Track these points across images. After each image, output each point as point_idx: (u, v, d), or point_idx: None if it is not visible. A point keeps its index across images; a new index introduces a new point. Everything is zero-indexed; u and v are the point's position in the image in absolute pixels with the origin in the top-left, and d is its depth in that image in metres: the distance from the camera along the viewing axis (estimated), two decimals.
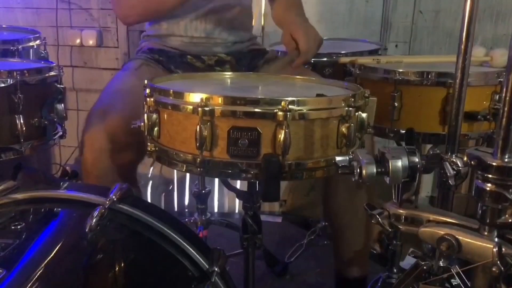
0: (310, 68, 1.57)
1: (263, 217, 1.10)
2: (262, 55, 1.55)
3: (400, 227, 0.83)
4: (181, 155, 0.90)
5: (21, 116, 1.18)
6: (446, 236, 0.74)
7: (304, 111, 0.84)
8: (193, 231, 1.00)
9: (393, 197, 0.83)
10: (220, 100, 0.84)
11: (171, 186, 2.56)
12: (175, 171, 2.45)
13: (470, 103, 1.07)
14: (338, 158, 0.81)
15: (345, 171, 0.80)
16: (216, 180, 2.22)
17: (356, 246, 1.40)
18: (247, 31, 1.58)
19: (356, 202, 1.34)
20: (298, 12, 1.43)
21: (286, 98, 0.82)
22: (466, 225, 0.76)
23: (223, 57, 1.48)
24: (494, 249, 0.70)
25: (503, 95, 0.67)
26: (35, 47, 1.68)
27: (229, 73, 1.29)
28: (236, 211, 2.54)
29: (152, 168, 2.45)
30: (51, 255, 0.82)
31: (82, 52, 2.45)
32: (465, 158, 0.77)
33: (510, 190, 0.68)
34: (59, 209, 0.95)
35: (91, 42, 2.40)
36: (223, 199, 2.55)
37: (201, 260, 0.88)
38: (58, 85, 1.28)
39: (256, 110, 0.83)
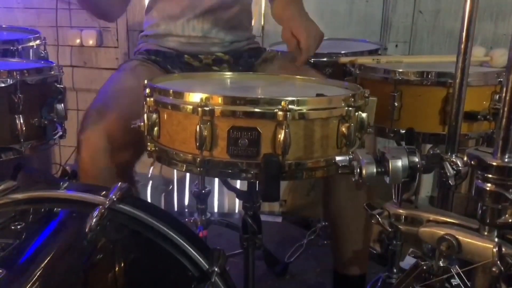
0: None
1: (263, 217, 1.10)
2: (259, 54, 1.55)
3: (400, 227, 0.83)
4: (181, 155, 0.90)
5: (21, 116, 1.18)
6: (446, 236, 0.74)
7: (304, 111, 0.84)
8: (193, 231, 1.00)
9: (393, 197, 0.83)
10: (220, 100, 0.84)
11: (171, 186, 2.55)
12: (175, 171, 2.45)
13: (470, 103, 1.07)
14: (338, 158, 0.81)
15: (345, 171, 0.80)
16: (216, 180, 2.21)
17: (357, 245, 1.40)
18: (246, 30, 1.57)
19: (357, 200, 1.33)
20: (298, 8, 1.39)
21: (286, 98, 0.82)
22: (466, 225, 0.76)
23: (220, 56, 1.48)
24: (494, 249, 0.70)
25: (503, 95, 0.67)
26: (35, 47, 1.67)
27: (229, 73, 1.29)
28: (236, 211, 2.54)
29: (152, 168, 2.45)
30: (51, 255, 0.81)
31: (82, 52, 2.45)
32: (465, 158, 0.77)
33: (510, 190, 0.68)
34: (59, 209, 0.95)
35: (91, 42, 2.40)
36: (223, 199, 2.55)
37: (201, 260, 0.88)
38: (58, 85, 1.27)
39: (256, 110, 0.83)
